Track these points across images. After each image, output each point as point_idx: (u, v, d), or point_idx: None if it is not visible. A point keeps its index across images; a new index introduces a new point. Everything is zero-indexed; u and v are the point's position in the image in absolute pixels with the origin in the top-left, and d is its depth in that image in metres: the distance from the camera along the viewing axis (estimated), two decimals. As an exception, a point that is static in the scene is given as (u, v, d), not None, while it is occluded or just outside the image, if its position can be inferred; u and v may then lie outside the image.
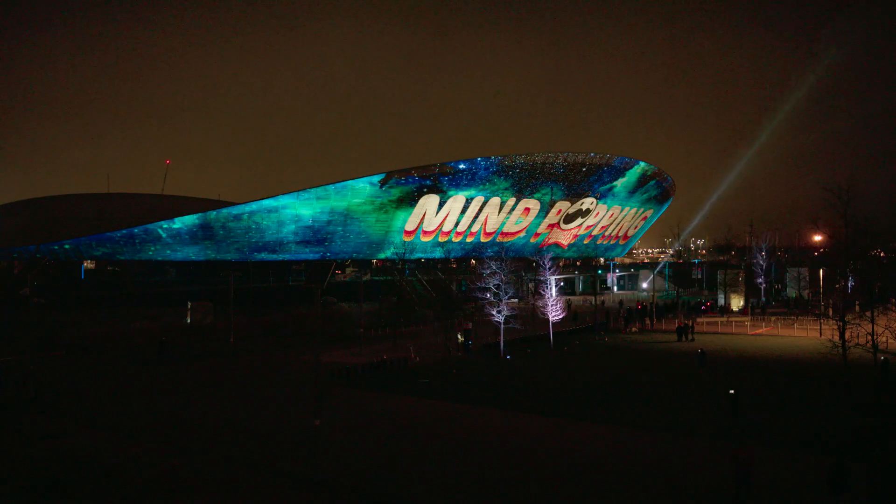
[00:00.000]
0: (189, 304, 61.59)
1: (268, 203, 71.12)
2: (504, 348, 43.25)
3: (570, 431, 24.98)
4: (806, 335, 50.52)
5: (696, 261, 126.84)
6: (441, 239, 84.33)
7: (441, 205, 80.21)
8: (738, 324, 59.73)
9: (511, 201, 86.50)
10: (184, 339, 50.09)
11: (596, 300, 60.20)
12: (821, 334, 45.41)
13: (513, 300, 50.05)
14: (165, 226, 70.02)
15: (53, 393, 31.99)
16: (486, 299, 46.06)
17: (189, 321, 59.53)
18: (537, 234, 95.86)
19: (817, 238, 74.82)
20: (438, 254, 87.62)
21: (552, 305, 46.87)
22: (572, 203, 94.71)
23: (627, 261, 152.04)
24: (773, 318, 63.09)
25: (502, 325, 43.39)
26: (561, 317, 48.50)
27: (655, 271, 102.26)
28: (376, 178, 73.44)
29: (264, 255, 75.12)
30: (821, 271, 60.83)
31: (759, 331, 55.21)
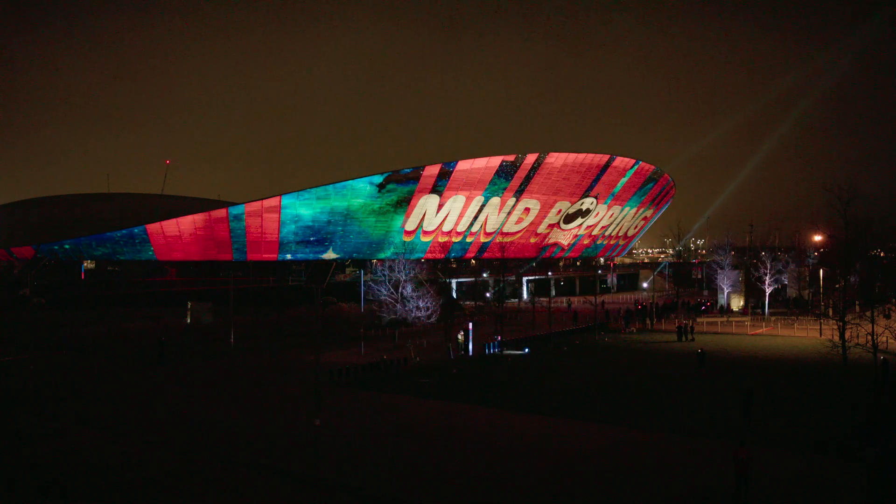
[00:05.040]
0: (189, 304, 61.61)
1: (268, 203, 71.15)
2: (504, 348, 43.28)
3: (570, 431, 24.96)
4: (806, 335, 50.52)
5: (694, 261, 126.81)
6: (441, 239, 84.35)
7: (441, 205, 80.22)
8: (738, 324, 59.72)
9: (511, 201, 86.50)
10: (184, 339, 50.09)
11: (596, 300, 60.20)
12: (821, 334, 45.43)
13: (512, 300, 50.36)
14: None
15: (53, 393, 31.99)
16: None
17: (189, 321, 59.53)
18: (537, 234, 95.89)
19: (817, 238, 74.88)
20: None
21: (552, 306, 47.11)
22: (572, 203, 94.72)
23: (627, 261, 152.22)
24: (773, 318, 63.10)
25: (502, 325, 43.57)
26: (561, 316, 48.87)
27: (656, 271, 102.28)
28: (376, 179, 73.47)
29: (264, 255, 75.14)
30: (821, 271, 60.83)
31: (759, 331, 55.21)
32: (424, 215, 80.00)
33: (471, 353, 43.51)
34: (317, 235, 75.06)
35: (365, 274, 70.14)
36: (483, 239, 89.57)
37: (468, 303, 66.63)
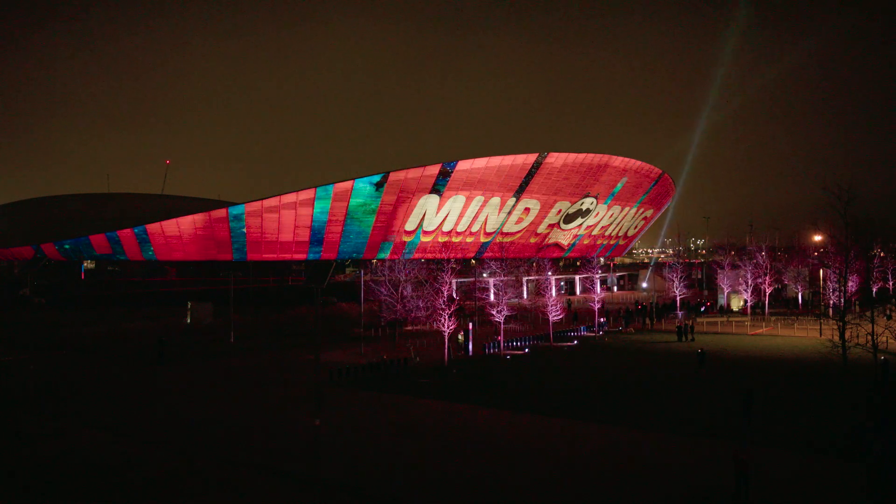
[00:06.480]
0: (189, 304, 61.63)
1: (268, 203, 71.16)
2: (503, 348, 43.29)
3: (570, 431, 24.97)
4: (806, 335, 50.49)
5: (695, 261, 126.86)
6: (441, 239, 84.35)
7: (440, 205, 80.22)
8: (738, 324, 59.70)
9: (511, 201, 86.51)
10: (184, 339, 50.10)
11: (595, 300, 60.12)
12: (821, 334, 45.42)
13: (512, 300, 50.47)
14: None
15: (53, 393, 32.00)
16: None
17: (189, 321, 59.55)
18: (537, 234, 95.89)
19: (817, 238, 74.89)
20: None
21: (552, 305, 47.24)
22: (572, 203, 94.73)
23: (627, 261, 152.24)
24: (773, 318, 63.09)
25: (502, 325, 43.64)
26: (561, 317, 49.04)
27: (650, 269, 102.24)
28: (376, 178, 73.48)
29: (264, 255, 75.13)
30: (821, 271, 60.82)
31: (759, 331, 55.17)
32: (424, 215, 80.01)
33: (471, 353, 43.53)
34: (317, 235, 75.04)
35: (365, 274, 70.21)
36: (483, 239, 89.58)
37: (468, 303, 66.66)
